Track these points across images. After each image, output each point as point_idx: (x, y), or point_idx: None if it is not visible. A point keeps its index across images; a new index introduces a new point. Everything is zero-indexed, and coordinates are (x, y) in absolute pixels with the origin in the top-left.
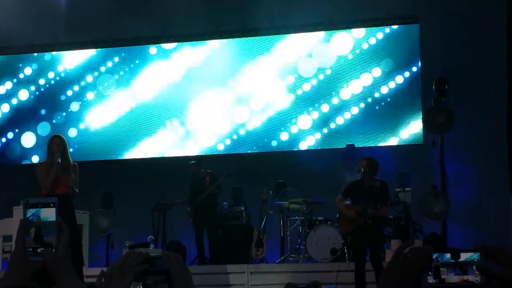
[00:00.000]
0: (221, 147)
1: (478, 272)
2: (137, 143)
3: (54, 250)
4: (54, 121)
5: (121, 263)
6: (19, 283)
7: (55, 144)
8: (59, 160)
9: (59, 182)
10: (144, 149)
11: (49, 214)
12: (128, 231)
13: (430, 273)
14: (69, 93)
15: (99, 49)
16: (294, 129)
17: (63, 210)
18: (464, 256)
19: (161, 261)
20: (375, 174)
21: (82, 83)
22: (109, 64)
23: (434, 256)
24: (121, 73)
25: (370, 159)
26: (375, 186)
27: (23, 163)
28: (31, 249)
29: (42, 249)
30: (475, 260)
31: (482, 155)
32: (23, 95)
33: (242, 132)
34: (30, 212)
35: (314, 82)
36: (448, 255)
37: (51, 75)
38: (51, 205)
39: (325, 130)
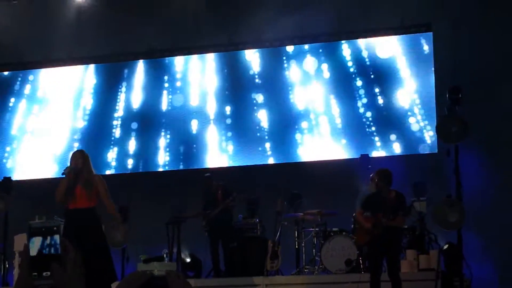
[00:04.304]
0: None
1: None
2: (152, 156)
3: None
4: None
5: (125, 283)
6: None
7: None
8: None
9: (76, 196)
10: (159, 162)
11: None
12: (143, 245)
13: None
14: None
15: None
16: (309, 140)
17: (83, 224)
18: None
19: (164, 281)
20: (390, 185)
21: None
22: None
23: None
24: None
25: (382, 172)
26: (390, 197)
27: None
28: (36, 274)
29: (47, 273)
30: None
31: (497, 163)
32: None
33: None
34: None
35: (327, 90)
36: None
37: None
38: (54, 228)
39: (343, 141)
